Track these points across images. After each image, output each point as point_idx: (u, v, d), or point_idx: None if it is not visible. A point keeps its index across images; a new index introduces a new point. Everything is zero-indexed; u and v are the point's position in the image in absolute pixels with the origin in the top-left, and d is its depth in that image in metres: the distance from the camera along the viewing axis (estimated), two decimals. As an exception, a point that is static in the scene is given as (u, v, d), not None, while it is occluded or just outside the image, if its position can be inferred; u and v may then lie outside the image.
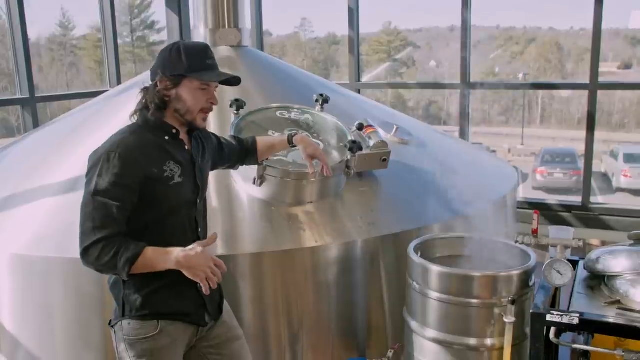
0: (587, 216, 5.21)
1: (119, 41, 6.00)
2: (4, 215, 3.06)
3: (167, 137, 2.09)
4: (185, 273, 1.94)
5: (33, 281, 2.81)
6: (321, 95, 3.31)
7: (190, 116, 2.08)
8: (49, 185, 3.13)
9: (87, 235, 1.91)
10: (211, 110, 2.13)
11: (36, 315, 2.84)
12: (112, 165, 1.94)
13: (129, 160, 1.96)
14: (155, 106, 2.05)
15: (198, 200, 2.18)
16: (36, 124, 4.92)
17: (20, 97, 4.95)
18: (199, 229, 2.18)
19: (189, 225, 2.13)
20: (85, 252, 1.91)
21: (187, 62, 2.03)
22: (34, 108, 4.99)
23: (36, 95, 5.02)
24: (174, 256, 1.92)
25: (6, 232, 2.95)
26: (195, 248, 1.93)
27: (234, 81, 2.16)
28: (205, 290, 1.95)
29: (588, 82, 5.02)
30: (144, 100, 2.07)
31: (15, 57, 4.93)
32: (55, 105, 8.75)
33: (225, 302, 2.36)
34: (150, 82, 2.09)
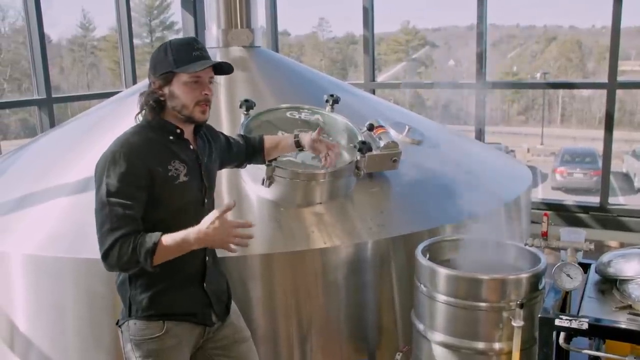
0: (605, 217, 5.13)
1: (138, 42, 6.06)
2: (18, 216, 3.09)
3: (171, 137, 2.09)
4: (210, 246, 1.93)
5: (45, 281, 2.83)
6: (331, 95, 3.30)
7: (187, 111, 2.06)
8: (62, 186, 3.16)
9: (104, 239, 1.91)
10: (208, 102, 2.08)
11: (48, 316, 2.86)
12: (119, 165, 1.95)
13: (134, 159, 1.97)
14: (150, 107, 2.06)
15: (205, 200, 2.18)
16: (53, 125, 4.97)
17: (37, 97, 5.01)
18: None
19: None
20: (105, 256, 1.91)
21: (173, 57, 2.02)
22: (51, 109, 5.05)
23: (53, 96, 5.08)
24: (192, 238, 1.89)
25: (19, 232, 2.98)
26: (213, 222, 1.87)
27: (226, 68, 2.12)
28: (232, 249, 1.93)
29: (607, 81, 4.94)
30: (141, 103, 2.09)
31: (32, 58, 4.99)
32: (76, 106, 8.86)
33: (233, 303, 2.36)
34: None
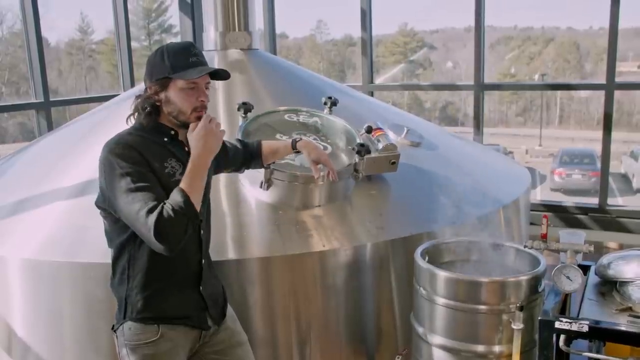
0: (604, 218, 5.13)
1: (136, 45, 6.06)
2: (15, 220, 3.08)
3: (165, 139, 2.08)
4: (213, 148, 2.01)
5: (43, 286, 2.82)
6: (329, 97, 3.30)
7: (184, 117, 2.04)
8: (59, 190, 3.14)
9: (148, 224, 1.83)
10: (204, 108, 2.07)
11: (46, 320, 2.85)
12: (122, 156, 1.92)
13: (133, 152, 1.95)
14: (146, 112, 2.04)
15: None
16: (50, 128, 4.96)
17: (35, 101, 4.99)
18: (202, 231, 2.16)
19: None
20: (161, 238, 1.83)
21: (169, 63, 2.01)
22: (49, 112, 5.04)
23: (51, 100, 5.07)
24: (197, 160, 1.95)
25: (17, 236, 2.97)
26: (199, 140, 1.96)
27: (223, 74, 2.12)
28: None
29: (604, 82, 4.95)
30: (135, 106, 2.07)
31: (30, 62, 4.98)
32: (74, 109, 8.86)
33: (229, 307, 2.35)
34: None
